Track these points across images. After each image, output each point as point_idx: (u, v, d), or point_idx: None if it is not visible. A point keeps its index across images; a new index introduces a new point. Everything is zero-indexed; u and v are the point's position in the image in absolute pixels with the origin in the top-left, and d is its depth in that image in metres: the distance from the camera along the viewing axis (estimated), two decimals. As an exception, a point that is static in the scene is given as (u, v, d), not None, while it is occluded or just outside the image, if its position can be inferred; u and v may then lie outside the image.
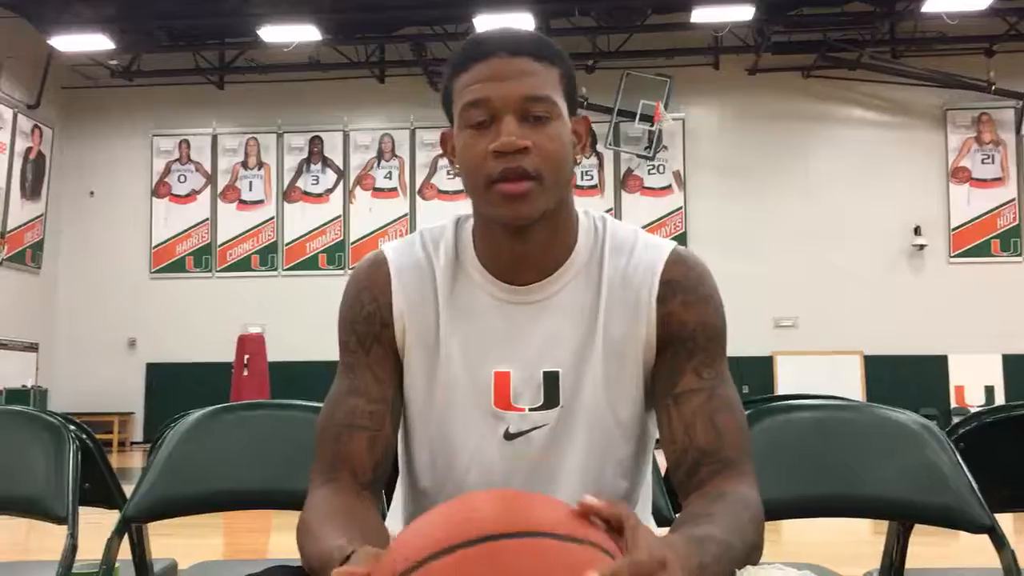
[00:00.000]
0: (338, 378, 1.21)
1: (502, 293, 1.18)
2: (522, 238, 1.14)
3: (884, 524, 1.68)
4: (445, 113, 1.19)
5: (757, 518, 1.04)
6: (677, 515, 1.50)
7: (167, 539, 3.26)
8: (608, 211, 17.30)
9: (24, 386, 14.43)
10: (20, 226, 14.96)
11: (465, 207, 1.25)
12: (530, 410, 1.16)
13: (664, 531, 1.30)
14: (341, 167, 15.83)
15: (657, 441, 1.25)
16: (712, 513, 1.00)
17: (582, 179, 15.20)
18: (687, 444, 1.11)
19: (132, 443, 15.12)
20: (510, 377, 1.16)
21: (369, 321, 1.19)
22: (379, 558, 0.80)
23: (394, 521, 1.28)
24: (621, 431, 1.18)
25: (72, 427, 1.73)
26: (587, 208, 1.24)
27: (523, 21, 12.57)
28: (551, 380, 1.16)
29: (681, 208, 15.20)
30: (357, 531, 0.98)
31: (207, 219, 15.89)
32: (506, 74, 1.10)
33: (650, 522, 1.29)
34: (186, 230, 15.87)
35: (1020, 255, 14.77)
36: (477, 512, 0.76)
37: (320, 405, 1.23)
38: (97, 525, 1.66)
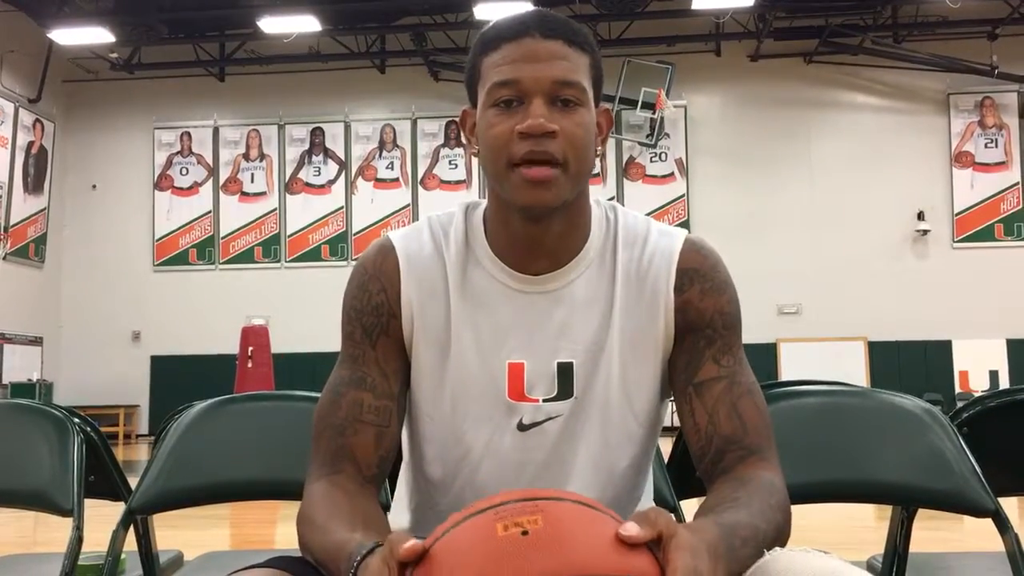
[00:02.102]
0: (339, 368, 1.18)
1: (515, 282, 1.16)
2: (540, 225, 1.12)
3: (888, 509, 1.69)
4: (467, 90, 1.17)
5: (783, 503, 1.04)
6: (680, 501, 1.51)
7: (174, 530, 3.27)
8: (610, 199, 17.17)
9: (29, 380, 14.48)
10: (23, 220, 14.98)
11: (467, 197, 1.24)
12: (544, 401, 1.15)
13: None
14: (343, 158, 15.82)
15: (667, 428, 1.25)
16: (739, 497, 1.00)
17: (584, 167, 15.16)
18: (711, 433, 1.10)
19: (138, 435, 15.17)
20: (524, 368, 1.15)
21: (377, 312, 1.17)
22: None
23: (399, 512, 1.27)
24: (637, 421, 1.18)
25: (76, 420, 1.73)
26: (597, 197, 1.22)
27: (523, 9, 12.52)
28: (565, 371, 1.15)
29: (683, 196, 15.18)
30: (363, 525, 0.97)
31: (209, 211, 15.89)
32: (538, 56, 1.09)
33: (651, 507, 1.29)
34: (189, 223, 15.88)
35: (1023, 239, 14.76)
36: (507, 554, 0.75)
37: (323, 396, 1.21)
38: (104, 517, 1.66)
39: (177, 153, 16.09)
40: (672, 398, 1.20)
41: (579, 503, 0.81)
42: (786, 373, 14.39)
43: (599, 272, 1.17)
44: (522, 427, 1.15)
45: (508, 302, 1.16)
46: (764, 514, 0.98)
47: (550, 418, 1.15)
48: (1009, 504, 1.53)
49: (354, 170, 15.77)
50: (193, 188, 15.99)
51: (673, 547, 0.78)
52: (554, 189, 1.08)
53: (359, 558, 0.85)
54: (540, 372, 1.15)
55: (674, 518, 0.82)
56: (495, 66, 1.10)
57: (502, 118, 1.09)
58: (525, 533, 0.76)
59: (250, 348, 11.80)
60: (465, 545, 0.78)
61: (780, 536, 1.00)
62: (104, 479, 1.74)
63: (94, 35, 13.98)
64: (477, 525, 0.79)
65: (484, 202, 1.21)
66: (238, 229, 15.80)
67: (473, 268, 1.17)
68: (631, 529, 0.77)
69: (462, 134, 1.19)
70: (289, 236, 15.72)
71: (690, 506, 1.22)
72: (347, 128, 15.84)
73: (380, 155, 15.79)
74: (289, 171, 15.88)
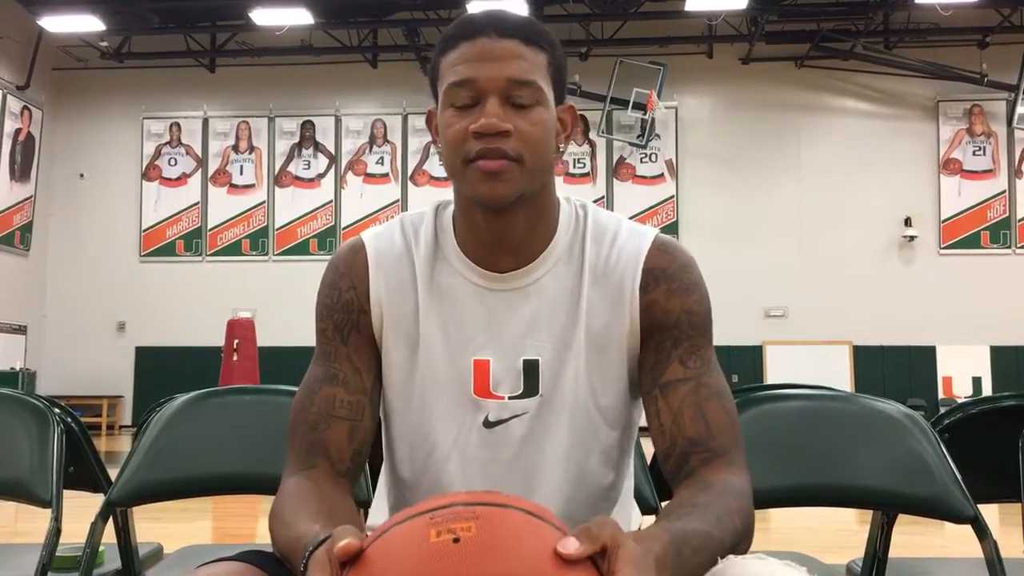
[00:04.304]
0: (313, 365, 1.19)
1: (482, 280, 1.16)
2: (502, 219, 1.13)
3: (869, 513, 1.69)
4: (431, 91, 1.18)
5: (745, 507, 1.03)
6: (663, 503, 1.52)
7: (156, 523, 3.26)
8: (600, 199, 17.05)
9: (13, 369, 14.38)
10: (9, 208, 14.87)
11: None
12: (510, 398, 1.15)
13: (649, 519, 1.31)
14: (333, 152, 15.77)
15: (644, 428, 1.25)
16: (697, 503, 0.99)
17: (574, 167, 15.18)
18: (676, 434, 1.10)
19: (121, 427, 15.10)
20: (490, 365, 1.15)
21: (347, 308, 1.18)
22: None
23: (379, 510, 1.27)
24: (604, 420, 1.17)
25: (57, 410, 1.72)
26: (569, 195, 1.22)
27: (517, 7, 12.51)
28: (531, 368, 1.15)
29: (673, 197, 15.20)
30: (326, 518, 0.97)
31: (197, 203, 15.82)
32: (493, 55, 1.09)
33: (633, 509, 1.29)
34: (176, 214, 15.81)
35: (1009, 247, 14.83)
36: (435, 560, 0.74)
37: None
38: (86, 509, 1.65)
39: (166, 144, 16.00)
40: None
41: (523, 511, 0.79)
42: (771, 376, 14.44)
43: (567, 269, 1.17)
44: (488, 424, 1.16)
45: (475, 299, 1.17)
46: (721, 521, 0.97)
47: (516, 415, 1.15)
48: (990, 511, 1.54)
49: (344, 164, 15.73)
50: (181, 179, 15.91)
51: (619, 559, 0.76)
52: (509, 181, 1.09)
53: (311, 548, 0.85)
54: (506, 369, 1.15)
55: (621, 528, 0.80)
56: (452, 66, 1.12)
57: (458, 118, 1.10)
58: (456, 540, 0.75)
59: (236, 341, 11.75)
60: (397, 549, 0.77)
61: (739, 542, 0.99)
62: (84, 470, 1.73)
63: (84, 23, 13.89)
64: (412, 529, 0.77)
65: None
66: (226, 221, 15.73)
67: (441, 266, 1.18)
68: (570, 546, 0.76)
69: (430, 134, 1.20)
70: (277, 229, 15.66)
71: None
72: (338, 122, 15.79)
73: (370, 150, 15.75)
74: (278, 164, 15.82)
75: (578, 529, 0.78)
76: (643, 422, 1.25)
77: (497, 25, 1.11)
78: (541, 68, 1.12)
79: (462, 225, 1.18)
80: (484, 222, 1.14)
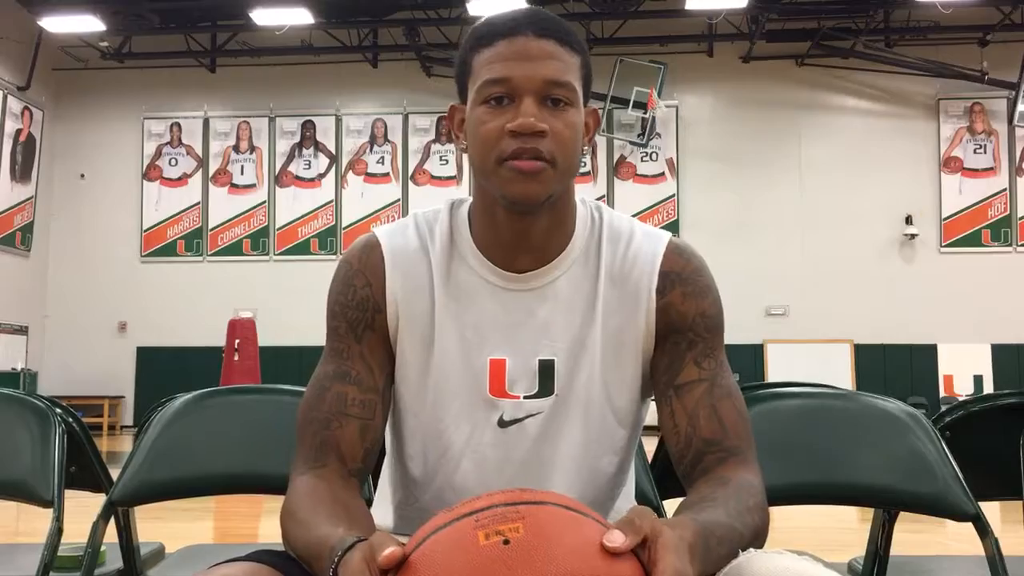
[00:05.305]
0: (324, 362, 1.18)
1: (499, 279, 1.16)
2: (525, 221, 1.13)
3: (870, 512, 1.69)
4: (457, 85, 1.17)
5: (761, 504, 1.05)
6: (663, 500, 1.52)
7: (159, 522, 3.26)
8: (600, 198, 17.05)
9: (14, 369, 14.39)
10: (10, 208, 14.88)
11: (457, 193, 1.24)
12: (525, 398, 1.15)
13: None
14: (333, 152, 15.77)
15: (645, 427, 1.25)
16: (717, 497, 1.01)
17: (575, 166, 15.18)
18: (691, 434, 1.11)
19: (122, 427, 15.10)
20: (505, 364, 1.15)
21: (362, 306, 1.17)
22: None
23: (381, 509, 1.27)
24: (617, 420, 1.18)
25: (58, 410, 1.72)
26: (583, 197, 1.23)
27: (518, 6, 12.51)
28: (546, 368, 1.15)
29: (674, 195, 15.20)
30: (345, 519, 0.97)
31: (198, 203, 15.82)
32: (531, 55, 1.09)
33: (634, 505, 1.29)
34: (177, 214, 15.81)
35: (1010, 245, 14.82)
36: (489, 564, 0.75)
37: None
38: (88, 509, 1.65)
39: (167, 144, 16.01)
40: (652, 398, 1.20)
41: (561, 506, 0.80)
42: (773, 374, 14.44)
43: (583, 270, 1.18)
44: (502, 423, 1.16)
45: (492, 299, 1.17)
46: (741, 515, 0.99)
47: (531, 415, 1.16)
48: (991, 508, 1.54)
49: (344, 164, 15.73)
50: (182, 179, 15.91)
51: (660, 547, 0.78)
52: (542, 182, 1.09)
53: (340, 553, 0.84)
54: (521, 369, 1.15)
55: (657, 517, 0.82)
56: (487, 63, 1.11)
57: (493, 115, 1.09)
58: (507, 542, 0.75)
59: (237, 341, 11.76)
60: (446, 554, 0.77)
61: (757, 537, 1.01)
62: (86, 470, 1.73)
63: (84, 23, 13.89)
64: (457, 533, 0.78)
65: (470, 199, 1.21)
66: (227, 221, 15.73)
67: (457, 264, 1.18)
68: (616, 539, 0.77)
69: (450, 129, 1.20)
70: (278, 229, 15.67)
71: (673, 506, 1.22)
72: (338, 122, 15.79)
73: (371, 149, 15.75)
74: (279, 164, 15.82)
75: (620, 521, 0.80)
76: (646, 421, 1.25)
77: (534, 24, 1.11)
78: (575, 69, 1.12)
79: (481, 224, 1.17)
80: (506, 222, 1.14)
